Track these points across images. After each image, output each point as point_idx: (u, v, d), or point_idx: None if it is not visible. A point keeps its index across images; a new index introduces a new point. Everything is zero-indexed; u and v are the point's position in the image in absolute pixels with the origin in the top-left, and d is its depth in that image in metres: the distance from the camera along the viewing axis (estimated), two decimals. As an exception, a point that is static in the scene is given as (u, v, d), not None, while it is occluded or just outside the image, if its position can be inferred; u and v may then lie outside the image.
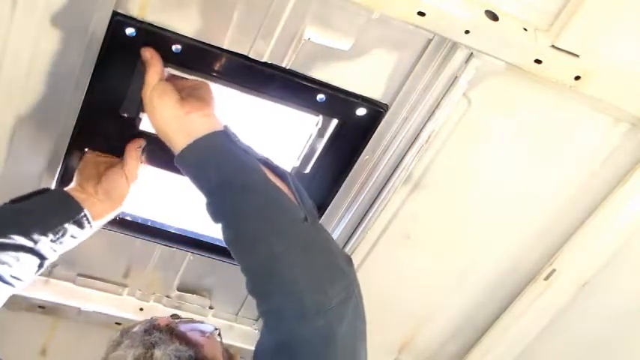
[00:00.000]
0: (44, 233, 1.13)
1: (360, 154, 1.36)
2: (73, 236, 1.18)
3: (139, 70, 1.20)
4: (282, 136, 1.37)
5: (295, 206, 1.01)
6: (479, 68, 1.21)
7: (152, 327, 1.15)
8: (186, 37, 1.16)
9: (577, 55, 1.17)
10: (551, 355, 1.69)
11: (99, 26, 1.12)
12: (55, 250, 1.16)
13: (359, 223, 1.47)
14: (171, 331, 1.15)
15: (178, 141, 1.05)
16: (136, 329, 1.16)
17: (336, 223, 1.49)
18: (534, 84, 1.25)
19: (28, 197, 1.18)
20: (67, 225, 1.16)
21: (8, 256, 1.09)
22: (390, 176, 1.38)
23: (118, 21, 1.12)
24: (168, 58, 1.18)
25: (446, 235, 1.53)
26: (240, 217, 1.01)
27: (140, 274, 1.61)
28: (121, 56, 1.16)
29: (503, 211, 1.50)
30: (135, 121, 1.27)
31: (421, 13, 1.09)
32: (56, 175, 1.33)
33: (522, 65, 1.18)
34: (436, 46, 1.21)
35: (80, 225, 1.18)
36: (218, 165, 1.03)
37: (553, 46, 1.16)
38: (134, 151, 1.27)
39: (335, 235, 1.49)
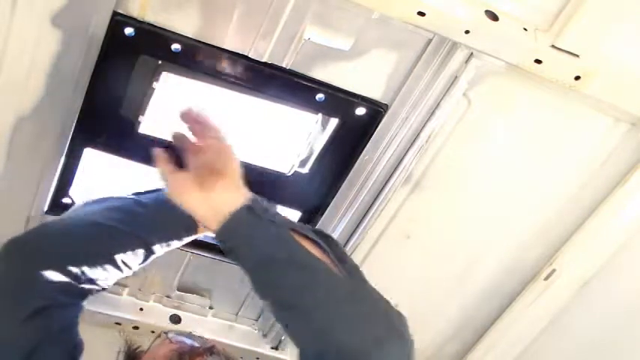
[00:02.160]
0: (158, 236, 1.18)
1: (360, 154, 1.36)
2: (179, 241, 1.22)
3: (139, 70, 1.20)
4: (282, 136, 1.37)
5: (337, 274, 1.01)
6: (479, 68, 1.21)
7: (225, 356, 1.20)
8: (186, 37, 1.16)
9: (577, 55, 1.18)
10: (551, 355, 1.69)
11: (99, 26, 1.12)
12: (162, 248, 1.21)
13: (359, 223, 1.47)
14: (228, 358, 1.21)
15: (211, 225, 1.06)
16: (201, 343, 1.21)
17: (336, 223, 1.49)
18: (534, 84, 1.25)
19: (155, 191, 1.22)
20: (179, 233, 1.21)
21: (124, 244, 1.14)
22: (390, 176, 1.38)
23: (118, 21, 1.12)
24: (168, 58, 1.18)
25: (446, 235, 1.53)
26: (287, 294, 1.01)
27: (140, 274, 1.60)
28: (121, 56, 1.16)
29: (503, 211, 1.50)
30: (134, 122, 1.27)
31: (421, 13, 1.09)
32: (56, 175, 1.33)
33: (522, 65, 1.18)
34: (436, 46, 1.21)
35: (189, 235, 1.22)
36: (249, 245, 1.03)
37: (553, 46, 1.16)
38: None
39: (335, 235, 1.49)
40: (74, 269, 1.07)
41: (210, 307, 1.71)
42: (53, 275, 1.05)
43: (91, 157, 1.32)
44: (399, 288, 1.62)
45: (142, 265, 1.20)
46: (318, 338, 0.96)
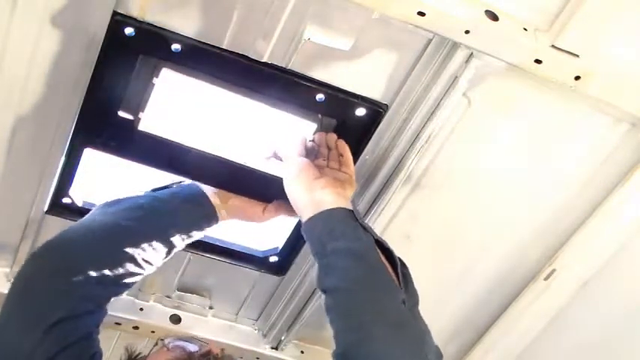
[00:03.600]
0: (177, 227, 1.21)
1: (360, 155, 1.36)
2: (199, 231, 1.26)
3: (139, 70, 1.20)
4: (280, 140, 1.37)
5: (397, 288, 1.07)
6: (479, 68, 1.21)
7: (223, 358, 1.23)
8: (186, 37, 1.16)
9: (577, 55, 1.18)
10: (551, 354, 1.69)
11: (99, 26, 1.12)
12: (183, 241, 1.24)
13: (359, 223, 1.47)
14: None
15: (308, 211, 1.17)
16: (197, 348, 1.22)
17: (336, 223, 1.49)
18: (534, 84, 1.25)
19: (166, 187, 1.27)
20: (199, 224, 1.25)
21: (144, 242, 1.16)
22: (390, 176, 1.38)
23: (118, 21, 1.11)
24: (168, 58, 1.18)
25: (446, 235, 1.53)
26: (345, 280, 1.07)
27: (140, 274, 1.61)
28: (121, 56, 1.16)
29: (503, 211, 1.50)
30: (134, 121, 1.27)
31: (421, 13, 1.09)
32: (56, 176, 1.33)
33: (522, 65, 1.18)
34: (436, 46, 1.21)
35: (210, 225, 1.27)
36: (336, 233, 1.12)
37: (553, 46, 1.16)
38: (276, 212, 1.36)
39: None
40: (97, 273, 1.08)
41: (210, 307, 1.71)
42: (78, 282, 1.06)
43: (91, 157, 1.32)
44: (399, 288, 1.63)
45: (165, 260, 1.23)
46: (358, 336, 1.00)
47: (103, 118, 1.25)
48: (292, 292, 1.63)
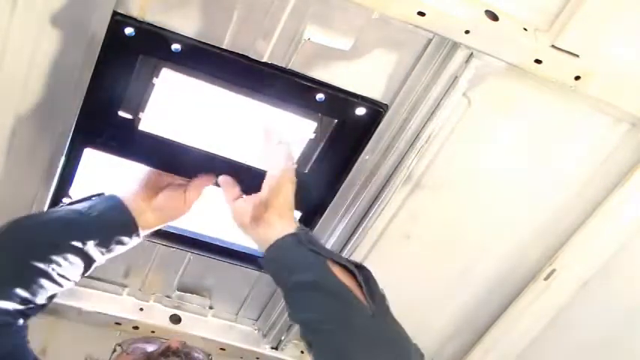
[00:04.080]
0: (95, 239, 1.16)
1: (360, 154, 1.36)
2: (121, 244, 1.22)
3: (139, 70, 1.20)
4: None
5: (362, 304, 1.06)
6: (479, 68, 1.21)
7: (183, 353, 1.23)
8: (186, 37, 1.16)
9: (577, 55, 1.17)
10: (551, 354, 1.69)
11: (99, 26, 1.12)
12: (103, 254, 1.20)
13: (359, 223, 1.47)
14: (188, 355, 1.23)
15: (261, 248, 1.21)
16: (156, 347, 1.22)
17: (336, 223, 1.49)
18: (534, 84, 1.25)
19: (85, 200, 1.23)
20: (118, 235, 1.20)
21: (59, 256, 1.12)
22: (390, 176, 1.38)
23: (118, 21, 1.11)
24: (168, 58, 1.18)
25: (446, 235, 1.53)
26: (311, 318, 1.09)
27: (140, 274, 1.61)
28: (121, 56, 1.16)
29: (503, 211, 1.50)
30: (134, 121, 1.27)
31: (421, 13, 1.09)
32: (56, 176, 1.33)
33: (522, 65, 1.18)
34: (436, 46, 1.21)
35: (129, 236, 1.22)
36: (288, 268, 1.14)
37: (553, 46, 1.16)
38: (203, 184, 1.32)
39: (335, 235, 1.49)
40: (8, 290, 1.06)
41: (210, 307, 1.71)
42: None
43: (91, 157, 1.32)
44: (399, 288, 1.62)
45: (84, 275, 1.19)
46: None
47: (103, 118, 1.25)
48: (292, 292, 1.63)
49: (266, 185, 1.23)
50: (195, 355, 1.27)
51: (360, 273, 1.10)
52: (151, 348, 1.23)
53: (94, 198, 1.23)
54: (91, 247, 1.16)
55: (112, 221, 1.20)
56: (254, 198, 1.23)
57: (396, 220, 1.48)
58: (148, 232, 1.27)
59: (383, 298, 1.10)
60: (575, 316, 1.60)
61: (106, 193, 1.25)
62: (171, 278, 1.62)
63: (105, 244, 1.18)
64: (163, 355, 1.19)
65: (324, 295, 1.08)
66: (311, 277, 1.10)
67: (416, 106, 1.28)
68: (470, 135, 1.35)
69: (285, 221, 1.19)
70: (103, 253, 1.19)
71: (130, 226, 1.22)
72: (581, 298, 1.57)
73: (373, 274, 1.12)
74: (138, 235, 1.23)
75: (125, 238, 1.21)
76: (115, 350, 1.28)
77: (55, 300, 1.55)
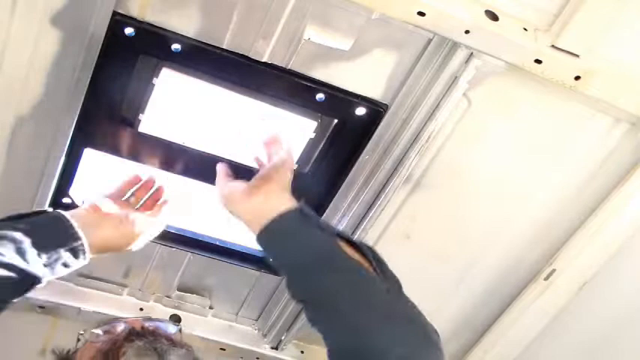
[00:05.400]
0: (38, 255, 1.06)
1: (360, 154, 1.36)
2: (65, 265, 1.10)
3: (139, 70, 1.20)
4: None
5: (376, 278, 1.01)
6: (479, 68, 1.21)
7: (148, 333, 1.15)
8: (186, 37, 1.16)
9: (577, 55, 1.18)
10: (551, 355, 1.69)
11: (99, 26, 1.12)
12: (48, 275, 1.10)
13: (359, 223, 1.47)
14: (154, 333, 1.15)
15: (254, 227, 1.07)
16: (119, 331, 1.15)
17: (336, 223, 1.49)
18: (534, 84, 1.25)
19: (27, 216, 1.12)
20: (61, 251, 1.09)
21: None
22: (390, 176, 1.38)
23: (118, 21, 1.12)
24: (168, 58, 1.18)
25: (446, 235, 1.53)
26: (323, 296, 1.00)
27: (140, 274, 1.61)
28: (121, 56, 1.16)
29: (503, 211, 1.50)
30: (134, 121, 1.27)
31: (421, 13, 1.09)
32: (56, 176, 1.33)
33: (522, 65, 1.18)
34: (436, 46, 1.21)
35: (73, 249, 1.10)
36: (294, 247, 1.04)
37: (553, 46, 1.16)
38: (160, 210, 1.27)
39: (335, 235, 1.49)
40: None
41: (210, 307, 1.70)
42: None
43: (91, 157, 1.32)
44: (399, 288, 1.63)
45: (29, 292, 1.10)
46: (353, 338, 0.96)
47: (104, 117, 1.25)
48: (292, 292, 1.63)
49: (264, 167, 1.16)
50: (164, 328, 1.22)
51: (369, 250, 1.04)
52: (114, 334, 1.15)
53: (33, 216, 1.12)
54: (35, 268, 1.06)
55: (53, 235, 1.09)
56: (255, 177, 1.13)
57: (396, 220, 1.48)
58: (101, 253, 1.16)
59: (394, 275, 1.06)
60: (575, 316, 1.60)
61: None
62: (171, 278, 1.62)
63: (49, 264, 1.08)
64: (127, 339, 1.12)
65: (336, 271, 1.00)
66: (321, 253, 1.02)
67: (416, 106, 1.28)
68: (470, 135, 1.35)
69: (284, 195, 1.09)
70: (47, 274, 1.08)
71: (70, 238, 1.10)
72: (581, 298, 1.57)
73: (380, 255, 1.05)
74: (84, 256, 1.11)
75: (67, 248, 1.09)
76: (78, 340, 1.22)
77: (55, 300, 1.56)
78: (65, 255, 1.09)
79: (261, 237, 1.06)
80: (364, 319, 0.97)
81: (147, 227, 1.24)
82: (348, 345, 0.97)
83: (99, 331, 1.17)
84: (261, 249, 1.07)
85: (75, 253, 1.11)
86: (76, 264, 1.12)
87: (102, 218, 1.17)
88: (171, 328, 1.23)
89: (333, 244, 1.02)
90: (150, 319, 1.23)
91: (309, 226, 1.04)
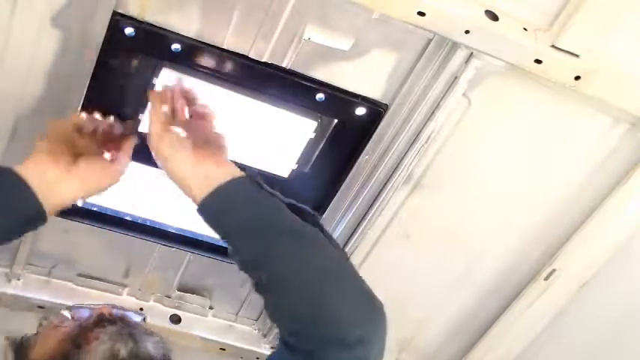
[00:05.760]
0: None
1: (360, 154, 1.36)
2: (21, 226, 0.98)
3: (139, 70, 1.20)
4: (279, 140, 1.37)
5: (329, 245, 0.99)
6: (479, 68, 1.21)
7: (118, 320, 1.13)
8: (186, 37, 1.16)
9: (577, 55, 1.17)
10: (551, 355, 1.68)
11: (99, 26, 1.12)
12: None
13: (359, 223, 1.47)
14: (123, 320, 1.14)
15: (197, 191, 0.99)
16: (86, 316, 1.12)
17: (336, 223, 1.49)
18: (534, 84, 1.25)
19: None
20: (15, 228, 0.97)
21: None
22: (390, 176, 1.38)
23: (118, 21, 1.11)
24: (168, 58, 1.18)
25: (446, 234, 1.53)
26: (276, 260, 0.95)
27: (140, 274, 1.61)
28: (121, 56, 1.16)
29: (503, 211, 1.50)
30: (134, 121, 1.27)
31: (421, 13, 1.09)
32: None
33: (522, 65, 1.18)
34: (436, 46, 1.21)
35: (34, 226, 0.98)
36: (248, 210, 0.98)
37: (553, 46, 1.16)
38: (129, 149, 1.12)
39: (335, 235, 1.49)
40: None
41: (210, 307, 1.70)
42: None
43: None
44: (399, 288, 1.62)
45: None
46: (308, 304, 0.92)
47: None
48: (292, 292, 1.63)
49: (205, 120, 1.07)
50: (131, 316, 1.20)
51: (315, 219, 1.01)
52: (81, 319, 1.12)
53: None
54: None
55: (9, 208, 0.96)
56: (192, 129, 1.04)
57: (396, 219, 1.48)
58: (58, 209, 1.01)
59: (339, 245, 1.04)
60: (575, 316, 1.60)
61: None
62: (171, 278, 1.62)
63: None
64: (97, 325, 1.09)
65: (291, 235, 0.96)
66: (275, 217, 0.98)
67: (416, 106, 1.28)
68: (470, 135, 1.35)
69: (229, 165, 1.02)
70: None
71: (34, 215, 0.97)
72: (581, 298, 1.57)
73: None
74: (44, 222, 0.99)
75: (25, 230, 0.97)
76: (41, 325, 1.16)
77: (55, 300, 1.56)
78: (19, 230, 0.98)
79: (210, 200, 0.98)
80: (320, 284, 0.94)
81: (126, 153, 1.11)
82: (301, 311, 0.94)
83: (66, 313, 1.14)
84: (203, 215, 0.99)
85: (34, 225, 0.98)
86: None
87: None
88: (137, 317, 1.21)
89: (286, 210, 0.99)
90: (115, 306, 1.20)
91: (262, 190, 1.00)
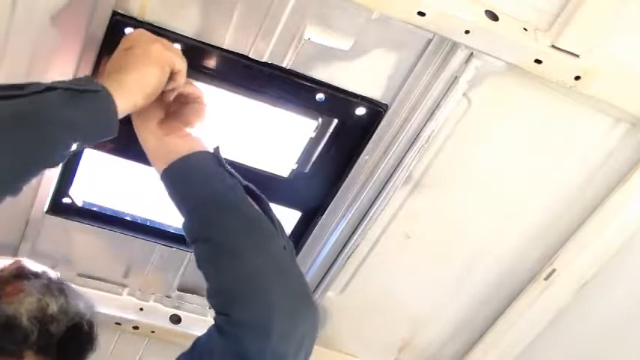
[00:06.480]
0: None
1: (360, 154, 1.36)
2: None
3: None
4: (281, 137, 1.37)
5: (276, 232, 1.03)
6: (479, 68, 1.21)
7: (41, 273, 1.11)
8: (186, 37, 1.16)
9: (577, 55, 1.18)
10: (551, 355, 1.69)
11: (99, 26, 1.12)
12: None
13: (359, 223, 1.47)
14: (46, 274, 1.13)
15: (160, 162, 1.06)
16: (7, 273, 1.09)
17: (336, 223, 1.49)
18: (534, 84, 1.25)
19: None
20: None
21: None
22: (390, 176, 1.38)
23: (118, 21, 1.11)
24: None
25: (446, 235, 1.53)
26: (223, 232, 1.00)
27: (140, 274, 1.61)
28: (121, 56, 1.16)
29: (503, 211, 1.50)
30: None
31: (421, 13, 1.09)
32: (56, 176, 1.33)
33: (522, 65, 1.18)
34: (436, 46, 1.21)
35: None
36: (205, 183, 1.03)
37: (553, 46, 1.16)
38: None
39: (335, 235, 1.49)
40: None
41: (211, 307, 1.70)
42: None
43: (91, 157, 1.32)
44: (399, 288, 1.63)
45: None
46: (244, 283, 0.95)
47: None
48: (292, 292, 1.63)
49: (187, 99, 1.10)
50: (50, 273, 1.15)
51: (269, 208, 1.05)
52: None
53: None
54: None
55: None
56: (171, 109, 1.09)
57: (396, 220, 1.49)
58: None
59: (291, 243, 1.06)
60: (575, 316, 1.60)
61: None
62: (171, 278, 1.62)
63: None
64: (18, 277, 1.06)
65: (241, 215, 1.01)
66: (230, 195, 1.02)
67: (416, 106, 1.28)
68: (470, 135, 1.35)
69: (199, 140, 1.07)
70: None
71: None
72: (581, 299, 1.57)
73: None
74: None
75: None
76: None
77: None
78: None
79: (172, 169, 1.04)
80: (260, 266, 0.97)
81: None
82: (236, 289, 0.96)
83: None
84: (164, 184, 1.05)
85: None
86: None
87: None
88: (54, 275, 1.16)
89: (242, 191, 1.04)
90: (32, 262, 1.15)
91: (222, 168, 1.05)
